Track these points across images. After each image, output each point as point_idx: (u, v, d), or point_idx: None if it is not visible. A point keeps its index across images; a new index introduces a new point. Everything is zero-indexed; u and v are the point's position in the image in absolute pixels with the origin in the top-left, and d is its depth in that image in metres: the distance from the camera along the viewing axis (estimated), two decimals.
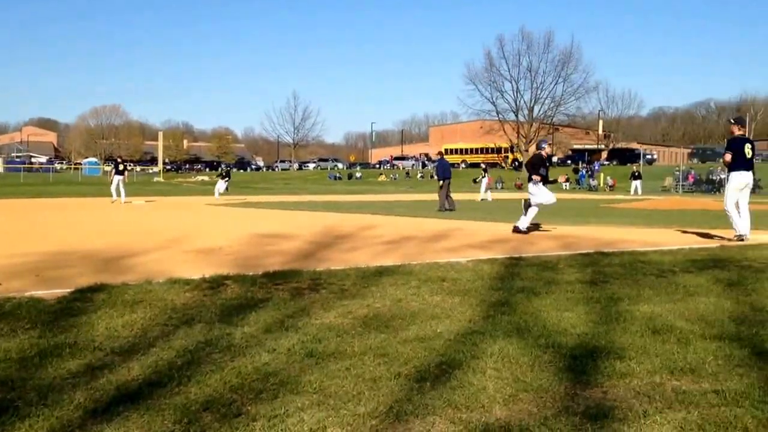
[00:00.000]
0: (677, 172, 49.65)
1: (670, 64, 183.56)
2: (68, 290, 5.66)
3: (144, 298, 5.41)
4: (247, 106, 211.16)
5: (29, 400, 3.13)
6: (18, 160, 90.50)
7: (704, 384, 3.42)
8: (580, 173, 58.19)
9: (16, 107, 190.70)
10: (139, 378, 3.48)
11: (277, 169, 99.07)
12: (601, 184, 53.59)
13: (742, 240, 10.28)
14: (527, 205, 12.03)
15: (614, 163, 71.64)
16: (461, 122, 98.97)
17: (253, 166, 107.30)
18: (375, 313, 5.00)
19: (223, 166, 55.88)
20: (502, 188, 53.63)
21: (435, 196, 23.64)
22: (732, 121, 11.44)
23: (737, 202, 10.69)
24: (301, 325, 4.59)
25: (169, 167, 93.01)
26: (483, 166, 38.20)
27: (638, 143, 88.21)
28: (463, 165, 76.64)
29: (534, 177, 11.96)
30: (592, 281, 6.44)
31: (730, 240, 10.37)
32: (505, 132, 72.24)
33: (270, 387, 3.34)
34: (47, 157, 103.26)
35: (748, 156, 10.67)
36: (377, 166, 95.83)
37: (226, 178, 31.78)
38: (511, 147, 75.79)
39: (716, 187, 41.60)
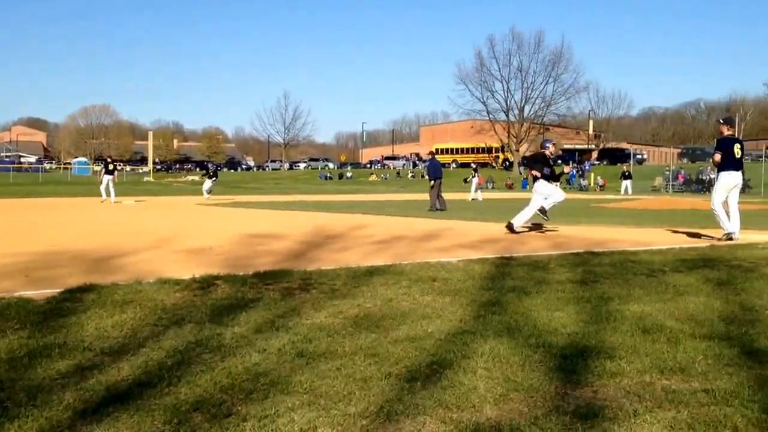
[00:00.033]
0: (667, 172, 49.91)
1: (660, 64, 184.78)
2: (58, 290, 5.62)
3: (134, 298, 5.38)
4: (238, 105, 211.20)
5: (18, 401, 3.11)
6: (7, 159, 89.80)
7: (694, 383, 3.44)
8: (571, 173, 58.33)
9: (5, 107, 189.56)
10: (128, 378, 3.46)
11: (267, 169, 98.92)
12: (592, 184, 53.82)
13: (731, 239, 10.34)
14: (542, 209, 11.98)
15: (605, 162, 71.94)
16: (452, 122, 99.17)
17: (244, 166, 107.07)
18: (366, 313, 4.99)
19: (210, 165, 55.61)
20: (492, 188, 53.76)
21: (426, 196, 23.66)
22: (721, 121, 11.52)
23: (727, 202, 10.76)
24: (292, 325, 4.58)
25: (159, 167, 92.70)
26: (473, 165, 38.27)
27: (628, 143, 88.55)
28: (453, 165, 76.75)
29: (533, 172, 11.99)
30: (583, 281, 6.45)
31: (719, 239, 10.42)
32: (495, 132, 72.48)
33: (260, 387, 3.33)
34: (37, 157, 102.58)
35: (738, 156, 10.73)
36: (368, 165, 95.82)
37: (213, 178, 31.62)
38: (502, 147, 76.06)
39: (706, 186, 41.82)
